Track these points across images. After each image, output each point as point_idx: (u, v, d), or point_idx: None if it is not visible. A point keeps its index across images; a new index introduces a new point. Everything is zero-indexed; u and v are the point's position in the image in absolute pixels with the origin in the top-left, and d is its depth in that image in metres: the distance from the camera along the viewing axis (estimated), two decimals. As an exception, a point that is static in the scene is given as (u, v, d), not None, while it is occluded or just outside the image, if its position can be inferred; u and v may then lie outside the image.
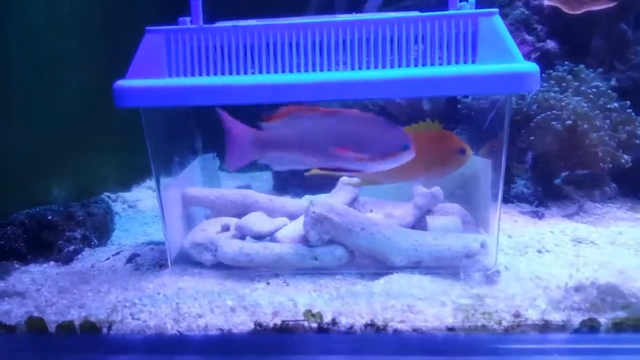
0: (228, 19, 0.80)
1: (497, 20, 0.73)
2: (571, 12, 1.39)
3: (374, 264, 0.85)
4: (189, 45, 0.76)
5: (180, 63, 0.77)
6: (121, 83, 0.76)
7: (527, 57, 1.34)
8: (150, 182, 1.55)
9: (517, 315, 0.65)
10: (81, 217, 1.07)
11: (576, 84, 1.18)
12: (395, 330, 0.65)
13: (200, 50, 0.76)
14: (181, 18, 0.80)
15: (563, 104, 1.14)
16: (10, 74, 1.09)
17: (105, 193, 1.39)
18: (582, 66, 1.21)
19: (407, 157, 0.79)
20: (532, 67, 0.71)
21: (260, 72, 0.76)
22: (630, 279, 0.76)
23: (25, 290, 0.86)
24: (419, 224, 0.93)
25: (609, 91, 1.19)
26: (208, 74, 0.76)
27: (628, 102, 1.18)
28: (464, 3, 0.77)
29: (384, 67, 0.75)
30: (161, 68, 0.77)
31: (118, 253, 1.00)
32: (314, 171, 0.86)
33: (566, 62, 1.24)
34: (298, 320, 0.66)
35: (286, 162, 0.82)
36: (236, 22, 0.77)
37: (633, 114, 1.18)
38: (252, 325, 0.67)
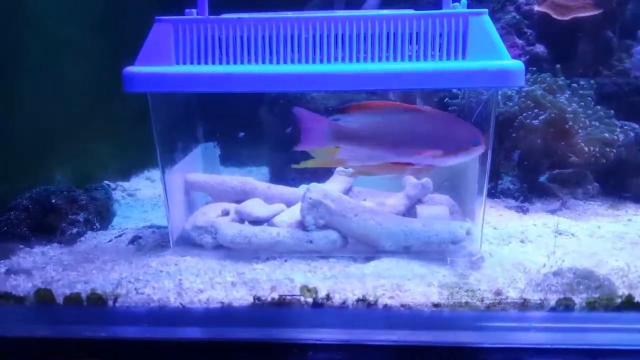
0: (231, 12, 0.84)
1: (486, 19, 0.78)
2: (560, 18, 1.45)
3: (366, 249, 0.90)
4: (195, 35, 0.81)
5: (187, 52, 0.81)
6: (130, 69, 0.80)
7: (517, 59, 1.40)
8: (149, 173, 1.58)
9: (498, 293, 0.70)
10: (84, 201, 1.10)
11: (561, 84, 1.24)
12: (385, 306, 0.69)
13: (207, 40, 0.81)
14: (187, 9, 0.84)
15: (547, 99, 1.19)
16: (16, 61, 1.12)
17: (105, 181, 1.42)
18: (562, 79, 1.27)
19: (478, 151, 0.81)
20: (518, 64, 0.77)
21: (264, 62, 0.80)
22: (604, 265, 0.82)
23: (31, 267, 0.89)
24: (409, 212, 0.97)
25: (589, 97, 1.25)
26: (213, 63, 0.81)
27: (612, 111, 1.24)
28: (456, 3, 0.82)
29: (379, 61, 0.79)
30: (169, 56, 0.81)
31: (120, 235, 1.04)
32: (307, 163, 0.89)
33: (557, 66, 1.30)
34: (294, 295, 0.71)
35: (360, 156, 0.83)
36: (240, 15, 0.81)
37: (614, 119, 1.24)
38: (251, 299, 0.71)
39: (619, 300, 0.67)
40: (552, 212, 1.17)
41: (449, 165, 0.85)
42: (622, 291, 0.70)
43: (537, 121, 1.18)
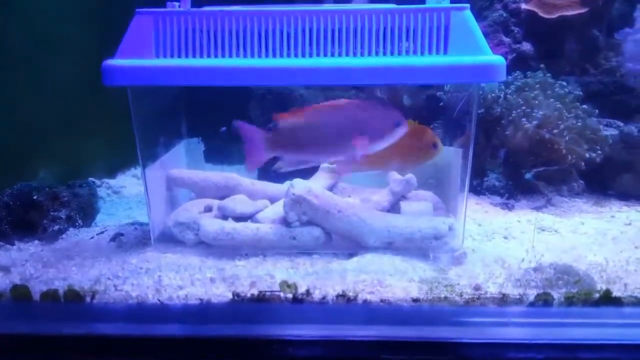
0: (217, 5, 0.83)
1: (468, 14, 0.78)
2: (547, 16, 1.46)
3: (349, 245, 0.89)
4: (176, 27, 0.80)
5: (168, 45, 0.80)
6: (110, 62, 0.79)
7: (503, 57, 1.40)
8: (135, 171, 1.57)
9: (477, 288, 0.70)
10: (66, 197, 1.08)
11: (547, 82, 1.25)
12: (365, 301, 0.69)
13: (188, 33, 0.80)
14: (169, 2, 0.83)
15: (539, 99, 1.20)
16: (1, 56, 1.10)
17: (90, 178, 1.41)
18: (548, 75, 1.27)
19: (401, 132, 0.84)
20: (499, 59, 0.77)
21: (245, 56, 0.80)
22: (584, 261, 0.82)
23: (9, 265, 0.88)
24: (393, 209, 0.97)
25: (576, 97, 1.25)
26: (194, 57, 0.80)
27: (596, 111, 1.25)
28: (440, -2, 0.82)
29: (361, 56, 0.79)
30: (149, 49, 0.80)
31: (102, 232, 1.03)
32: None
33: (541, 65, 1.30)
34: (274, 291, 0.70)
35: (297, 160, 0.87)
36: (223, 8, 0.80)
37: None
38: (230, 296, 0.70)
39: (597, 295, 0.67)
40: (537, 209, 1.18)
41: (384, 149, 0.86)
42: (601, 286, 0.70)
43: (529, 122, 1.18)
